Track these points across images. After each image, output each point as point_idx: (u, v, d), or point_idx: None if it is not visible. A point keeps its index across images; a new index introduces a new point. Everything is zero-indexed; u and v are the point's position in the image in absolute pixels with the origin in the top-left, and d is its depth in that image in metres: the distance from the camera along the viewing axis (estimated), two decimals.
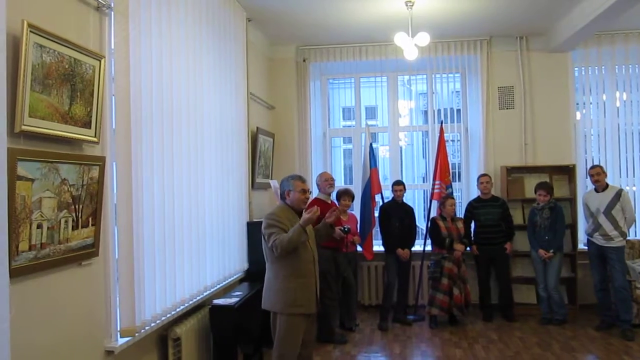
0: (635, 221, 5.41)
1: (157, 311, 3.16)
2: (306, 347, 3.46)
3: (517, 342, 4.89)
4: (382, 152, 7.80)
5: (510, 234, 5.77)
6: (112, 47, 2.80)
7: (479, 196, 5.92)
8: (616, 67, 6.24)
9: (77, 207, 2.46)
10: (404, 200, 5.77)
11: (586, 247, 5.47)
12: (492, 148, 6.28)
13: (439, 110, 6.55)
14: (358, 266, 5.87)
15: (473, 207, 5.87)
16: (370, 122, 6.62)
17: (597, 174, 5.15)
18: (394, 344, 4.99)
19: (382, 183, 6.16)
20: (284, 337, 3.34)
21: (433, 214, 5.91)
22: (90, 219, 2.56)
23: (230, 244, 4.52)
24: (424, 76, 6.63)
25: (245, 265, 4.90)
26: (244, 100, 4.98)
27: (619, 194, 5.07)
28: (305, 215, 3.25)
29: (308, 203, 5.00)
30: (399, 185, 5.70)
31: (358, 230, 5.64)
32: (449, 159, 6.11)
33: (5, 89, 1.83)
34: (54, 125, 2.28)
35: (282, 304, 3.32)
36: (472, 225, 5.85)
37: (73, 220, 2.44)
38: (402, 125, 6.96)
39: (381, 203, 5.90)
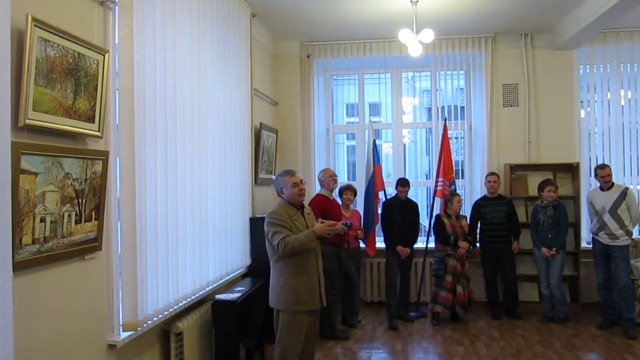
0: None
1: (160, 306, 3.16)
2: (309, 343, 3.46)
3: (519, 340, 4.89)
4: (386, 149, 7.79)
5: (516, 232, 5.75)
6: (117, 41, 2.80)
7: (485, 195, 5.91)
8: (621, 65, 6.20)
9: (80, 201, 2.46)
10: (408, 197, 5.73)
11: (589, 246, 5.45)
12: (496, 145, 6.26)
13: (442, 108, 6.53)
14: (361, 262, 5.87)
15: (479, 206, 5.84)
16: (373, 119, 6.60)
17: (607, 175, 5.10)
18: (396, 340, 5.00)
19: (385, 180, 6.14)
20: (287, 333, 3.34)
21: (436, 210, 5.90)
22: (93, 213, 2.57)
23: (233, 239, 4.53)
24: (428, 73, 6.62)
25: (248, 261, 4.92)
26: (247, 95, 4.98)
27: (624, 192, 5.05)
28: (323, 226, 3.31)
29: (312, 199, 5.03)
30: (404, 186, 5.57)
31: (361, 227, 5.62)
32: (452, 156, 6.10)
33: (9, 82, 1.84)
34: (58, 119, 2.28)
35: (285, 302, 3.33)
36: (479, 224, 5.83)
37: (76, 214, 2.44)
38: (405, 122, 6.92)
39: (384, 199, 5.89)
